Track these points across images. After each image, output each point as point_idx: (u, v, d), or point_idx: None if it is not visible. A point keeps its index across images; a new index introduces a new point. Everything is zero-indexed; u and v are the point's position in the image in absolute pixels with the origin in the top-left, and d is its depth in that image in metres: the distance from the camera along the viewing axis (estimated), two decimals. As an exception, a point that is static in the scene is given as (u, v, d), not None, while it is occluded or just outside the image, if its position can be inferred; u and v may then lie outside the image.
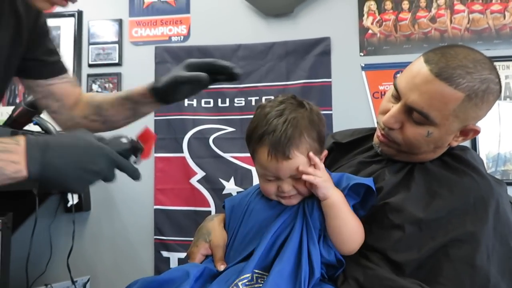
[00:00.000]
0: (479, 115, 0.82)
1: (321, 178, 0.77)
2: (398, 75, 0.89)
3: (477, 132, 0.85)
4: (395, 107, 0.84)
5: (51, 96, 1.01)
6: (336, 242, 0.78)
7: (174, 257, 2.11)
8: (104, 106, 1.01)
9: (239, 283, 0.74)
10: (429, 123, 0.81)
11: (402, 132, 0.85)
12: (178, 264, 2.07)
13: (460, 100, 0.77)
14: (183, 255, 2.06)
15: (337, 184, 0.82)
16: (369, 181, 0.80)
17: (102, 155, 0.65)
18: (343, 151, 1.03)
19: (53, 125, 1.92)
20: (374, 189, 0.81)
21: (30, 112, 1.77)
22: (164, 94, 0.90)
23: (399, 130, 0.85)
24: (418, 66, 0.82)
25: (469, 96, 0.77)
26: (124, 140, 0.69)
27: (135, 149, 0.70)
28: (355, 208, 0.82)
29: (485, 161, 1.96)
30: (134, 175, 0.69)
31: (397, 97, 0.85)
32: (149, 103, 0.95)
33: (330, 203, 0.77)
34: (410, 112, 0.82)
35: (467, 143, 1.94)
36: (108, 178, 0.67)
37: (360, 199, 0.82)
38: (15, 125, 1.76)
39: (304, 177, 0.76)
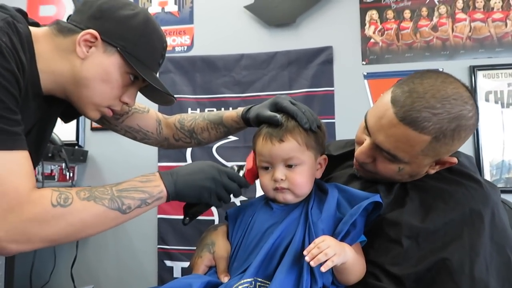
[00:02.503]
0: (451, 150, 0.80)
1: (333, 252, 0.70)
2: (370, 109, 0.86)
3: (452, 163, 0.83)
4: (365, 144, 0.84)
5: (130, 130, 1.14)
6: (343, 283, 0.79)
7: (177, 266, 2.10)
8: (197, 131, 1.17)
9: (239, 287, 0.74)
10: (399, 161, 0.80)
11: (374, 166, 0.85)
12: (182, 274, 2.06)
13: (427, 142, 0.75)
14: (186, 264, 2.06)
15: (339, 203, 0.83)
16: (377, 198, 0.79)
17: (210, 166, 0.87)
18: (335, 163, 1.02)
19: (57, 135, 1.94)
20: (382, 202, 0.80)
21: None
22: (252, 124, 1.03)
23: (372, 163, 0.85)
24: (385, 105, 0.79)
25: (437, 138, 0.75)
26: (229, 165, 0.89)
27: (239, 167, 0.93)
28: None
29: (489, 169, 1.96)
30: (240, 180, 0.89)
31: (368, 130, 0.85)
32: (242, 127, 1.10)
33: (346, 265, 0.75)
34: (380, 149, 0.81)
35: (470, 151, 1.94)
36: (222, 182, 0.86)
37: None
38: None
39: (322, 269, 0.68)
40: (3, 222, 0.66)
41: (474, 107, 0.77)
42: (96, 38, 0.82)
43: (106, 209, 0.74)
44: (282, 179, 0.83)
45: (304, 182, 0.85)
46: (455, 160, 0.82)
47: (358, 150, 0.86)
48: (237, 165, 0.93)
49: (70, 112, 0.96)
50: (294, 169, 0.84)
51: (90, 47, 0.83)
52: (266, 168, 0.87)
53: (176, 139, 1.19)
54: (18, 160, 0.70)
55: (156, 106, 1.03)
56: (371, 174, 0.88)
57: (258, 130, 0.90)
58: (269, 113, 0.90)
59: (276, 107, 0.92)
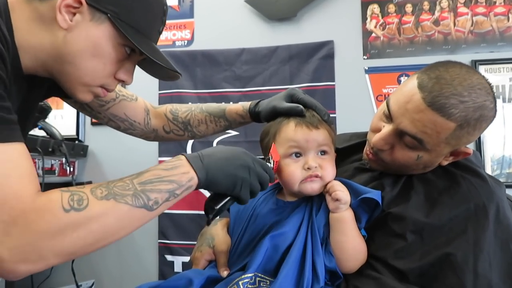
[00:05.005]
0: (470, 140, 0.80)
1: (346, 194, 0.80)
2: (392, 90, 0.87)
3: (467, 154, 0.83)
4: (385, 129, 0.83)
5: (115, 118, 1.02)
6: (338, 258, 0.78)
7: (178, 261, 2.11)
8: (193, 123, 1.07)
9: (240, 282, 0.74)
10: (421, 148, 0.80)
11: (391, 154, 0.84)
12: (183, 268, 2.07)
13: (451, 130, 0.76)
14: (187, 258, 2.06)
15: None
16: (377, 196, 0.79)
17: (243, 152, 0.75)
18: (340, 156, 1.02)
19: (57, 130, 1.93)
20: (381, 203, 0.80)
21: (35, 117, 1.78)
22: (262, 118, 0.96)
23: (388, 151, 0.84)
24: (411, 90, 0.78)
25: (461, 126, 0.75)
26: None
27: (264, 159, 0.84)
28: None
29: (490, 164, 1.95)
30: (271, 171, 0.77)
31: (388, 117, 0.83)
32: (246, 122, 1.02)
33: (339, 216, 0.79)
34: (401, 135, 0.81)
35: (471, 145, 1.93)
36: (257, 172, 0.73)
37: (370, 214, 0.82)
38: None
39: (335, 194, 0.79)
40: (6, 239, 0.53)
41: (494, 100, 0.78)
42: (80, 2, 0.67)
43: (130, 208, 0.61)
44: (316, 167, 0.81)
45: (333, 172, 0.84)
46: (470, 150, 0.83)
47: (377, 136, 0.84)
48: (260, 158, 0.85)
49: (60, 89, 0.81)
50: (325, 157, 0.84)
51: (74, 14, 0.68)
52: (296, 156, 0.83)
53: (166, 131, 1.08)
54: (16, 157, 0.57)
55: (143, 94, 0.99)
56: (384, 163, 0.87)
57: (282, 120, 0.86)
58: (289, 104, 0.87)
59: (292, 99, 0.90)
